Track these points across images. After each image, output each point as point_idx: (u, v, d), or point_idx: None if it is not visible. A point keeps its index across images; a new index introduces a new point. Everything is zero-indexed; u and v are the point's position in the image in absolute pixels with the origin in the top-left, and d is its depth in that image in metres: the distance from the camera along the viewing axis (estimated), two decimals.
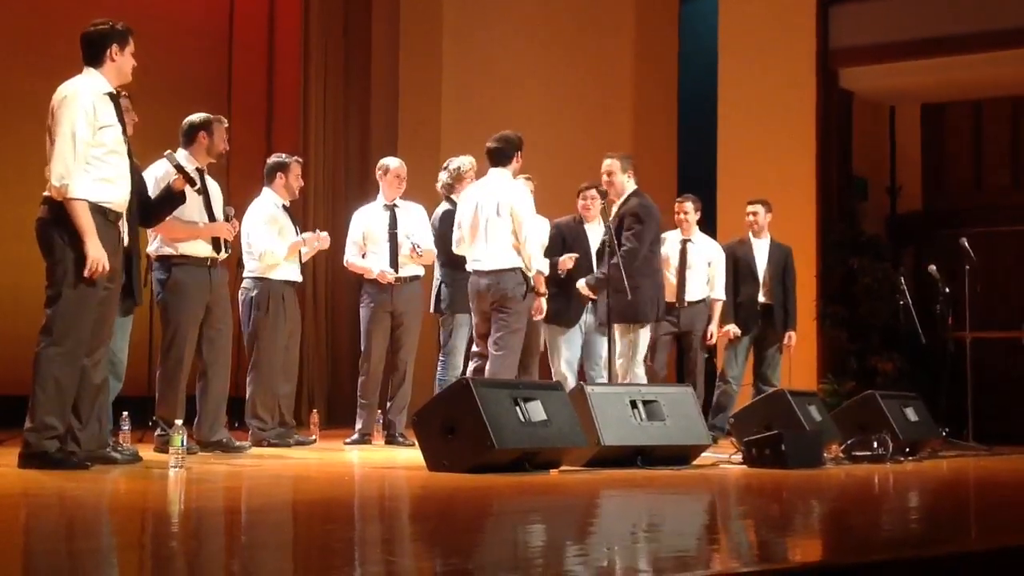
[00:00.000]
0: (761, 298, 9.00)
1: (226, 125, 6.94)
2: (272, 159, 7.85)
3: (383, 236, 7.99)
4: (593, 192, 8.26)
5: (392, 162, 8.19)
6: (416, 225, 8.05)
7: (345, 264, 8.20)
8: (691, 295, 8.76)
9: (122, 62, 5.62)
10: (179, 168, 6.20)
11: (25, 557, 3.17)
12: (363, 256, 8.04)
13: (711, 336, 8.83)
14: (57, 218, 5.41)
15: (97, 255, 5.36)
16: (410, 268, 8.00)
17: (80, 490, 4.76)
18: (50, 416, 5.36)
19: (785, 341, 9.03)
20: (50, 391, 5.37)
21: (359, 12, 12.15)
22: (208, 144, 6.82)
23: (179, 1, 10.99)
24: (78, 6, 9.48)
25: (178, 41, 10.66)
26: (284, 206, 7.72)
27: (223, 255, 6.83)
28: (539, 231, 7.97)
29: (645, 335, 7.66)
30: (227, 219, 6.83)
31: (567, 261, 7.96)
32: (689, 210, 8.83)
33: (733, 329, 8.88)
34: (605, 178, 7.79)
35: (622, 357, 7.50)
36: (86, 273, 5.36)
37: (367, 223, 8.07)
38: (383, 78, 12.28)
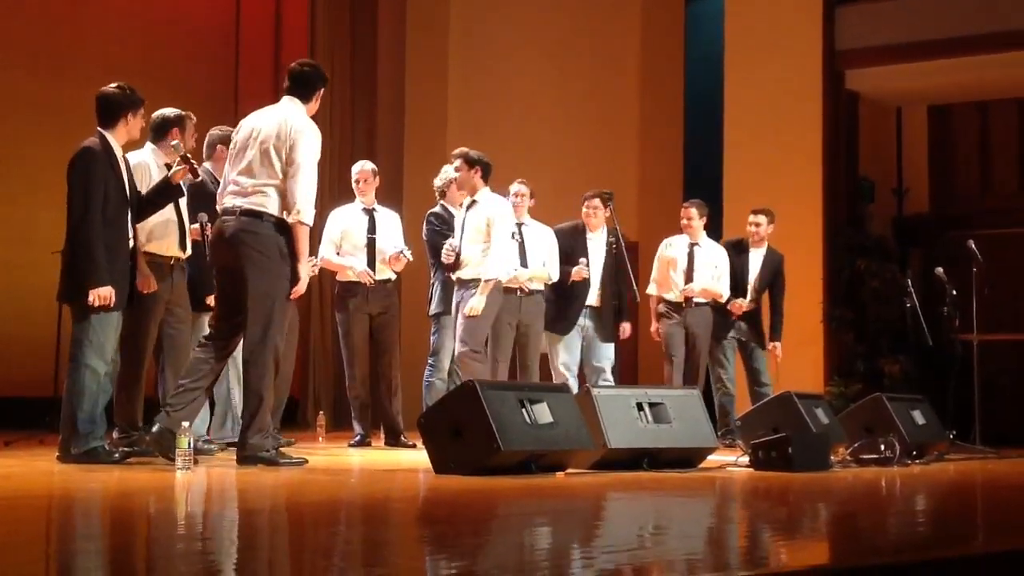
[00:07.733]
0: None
1: (194, 121, 6.77)
2: None
3: (362, 240, 7.98)
4: (596, 202, 8.29)
5: (372, 164, 8.23)
6: (395, 232, 8.07)
7: (318, 261, 7.97)
8: (697, 297, 8.83)
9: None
10: (186, 159, 6.10)
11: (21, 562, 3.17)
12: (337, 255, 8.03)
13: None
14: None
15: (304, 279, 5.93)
16: (384, 271, 8.00)
17: (84, 492, 4.76)
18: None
19: (770, 348, 9.05)
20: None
21: (365, 19, 12.15)
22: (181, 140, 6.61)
23: (185, 12, 10.98)
24: (87, 13, 9.50)
25: (185, 51, 10.67)
26: None
27: (187, 253, 6.67)
28: (544, 240, 8.01)
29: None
30: (201, 225, 6.64)
31: (582, 271, 8.09)
32: (693, 215, 8.90)
33: (742, 301, 8.97)
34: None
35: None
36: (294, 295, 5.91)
37: (346, 224, 8.03)
38: (389, 84, 12.27)
